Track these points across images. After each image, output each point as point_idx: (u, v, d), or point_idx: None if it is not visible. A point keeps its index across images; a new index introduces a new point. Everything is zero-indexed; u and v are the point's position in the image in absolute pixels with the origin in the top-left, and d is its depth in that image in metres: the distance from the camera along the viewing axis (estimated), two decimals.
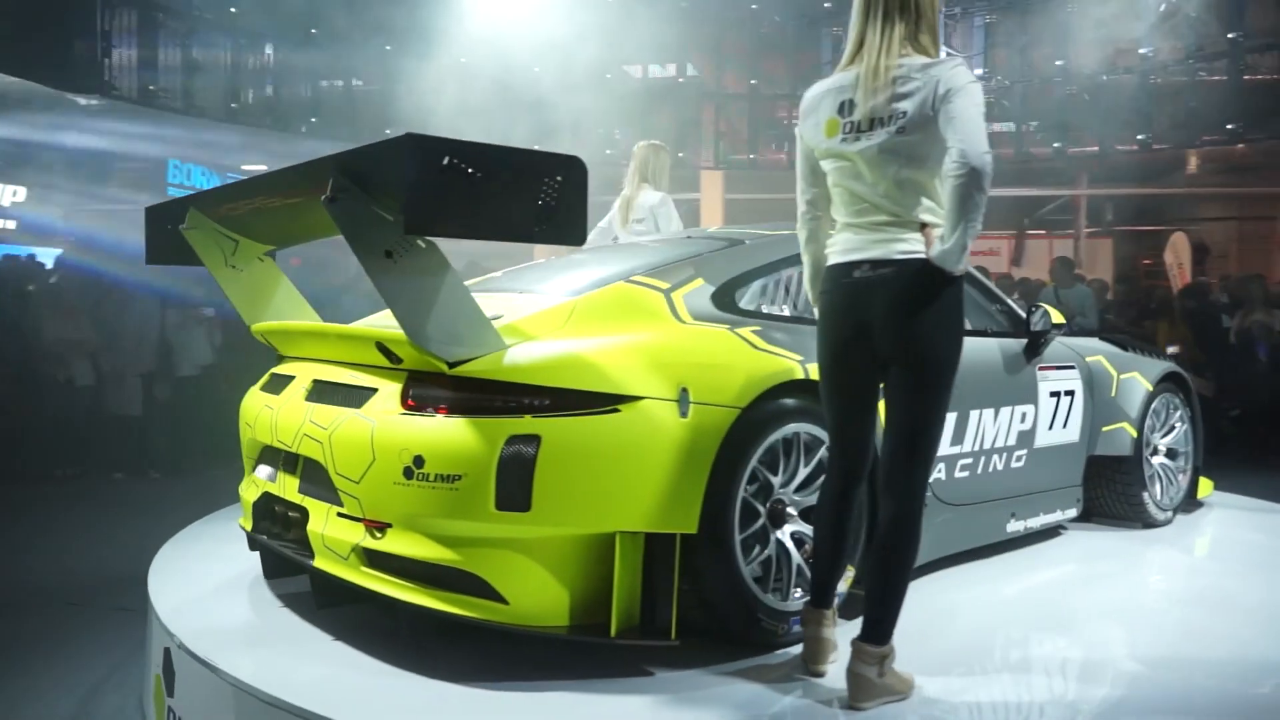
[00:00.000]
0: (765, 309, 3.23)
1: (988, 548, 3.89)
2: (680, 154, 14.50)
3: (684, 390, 2.67)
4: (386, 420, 2.62)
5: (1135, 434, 4.33)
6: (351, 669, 2.67)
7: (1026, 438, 3.94)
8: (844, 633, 2.65)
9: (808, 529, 2.91)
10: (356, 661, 2.71)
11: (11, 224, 14.38)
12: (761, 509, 2.84)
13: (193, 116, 13.21)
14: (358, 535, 2.67)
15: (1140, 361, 4.56)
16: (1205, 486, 4.89)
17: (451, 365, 2.55)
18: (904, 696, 2.50)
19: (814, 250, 2.69)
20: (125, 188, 14.67)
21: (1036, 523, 4.07)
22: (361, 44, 13.38)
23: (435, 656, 2.70)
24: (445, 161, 2.13)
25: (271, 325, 3.31)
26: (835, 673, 2.58)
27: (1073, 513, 4.27)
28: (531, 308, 2.96)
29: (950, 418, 3.54)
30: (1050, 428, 4.06)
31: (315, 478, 2.84)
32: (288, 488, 2.99)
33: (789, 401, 2.87)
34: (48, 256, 11.09)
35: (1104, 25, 12.85)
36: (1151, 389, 4.43)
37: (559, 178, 2.31)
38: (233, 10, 13.17)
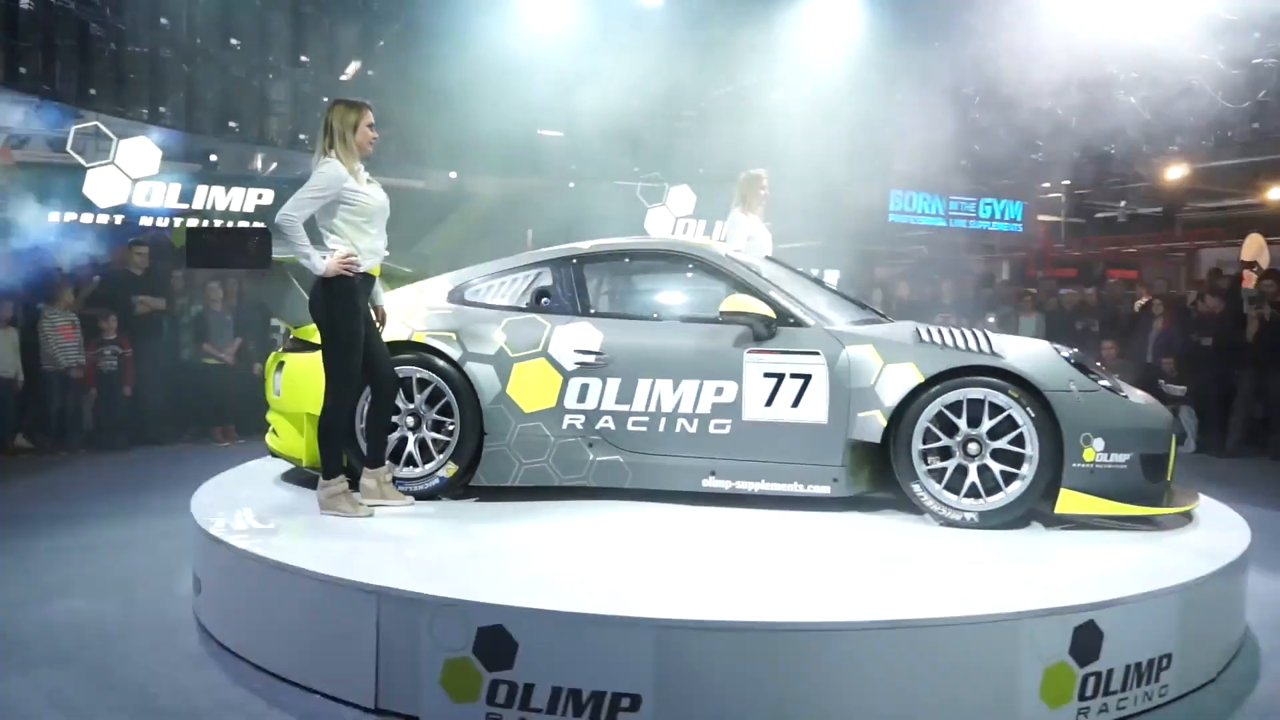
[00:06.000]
0: (485, 300, 5.07)
1: (709, 497, 4.72)
2: None
3: None
4: (273, 354, 5.52)
5: (884, 422, 4.38)
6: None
7: (728, 410, 4.62)
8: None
9: (432, 434, 4.81)
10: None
11: None
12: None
13: None
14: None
15: (930, 352, 4.40)
16: (1080, 502, 4.23)
17: (295, 328, 5.32)
18: (347, 515, 4.42)
19: None
20: None
21: (752, 487, 4.62)
22: None
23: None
24: (204, 239, 5.02)
25: None
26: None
27: (824, 490, 4.54)
28: None
29: (614, 383, 4.75)
30: (769, 405, 4.58)
31: None
32: None
33: (401, 355, 4.79)
34: None
35: None
36: (923, 379, 4.34)
37: (257, 238, 4.95)
38: None
